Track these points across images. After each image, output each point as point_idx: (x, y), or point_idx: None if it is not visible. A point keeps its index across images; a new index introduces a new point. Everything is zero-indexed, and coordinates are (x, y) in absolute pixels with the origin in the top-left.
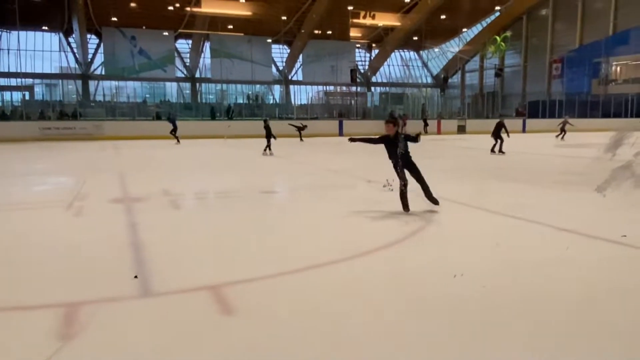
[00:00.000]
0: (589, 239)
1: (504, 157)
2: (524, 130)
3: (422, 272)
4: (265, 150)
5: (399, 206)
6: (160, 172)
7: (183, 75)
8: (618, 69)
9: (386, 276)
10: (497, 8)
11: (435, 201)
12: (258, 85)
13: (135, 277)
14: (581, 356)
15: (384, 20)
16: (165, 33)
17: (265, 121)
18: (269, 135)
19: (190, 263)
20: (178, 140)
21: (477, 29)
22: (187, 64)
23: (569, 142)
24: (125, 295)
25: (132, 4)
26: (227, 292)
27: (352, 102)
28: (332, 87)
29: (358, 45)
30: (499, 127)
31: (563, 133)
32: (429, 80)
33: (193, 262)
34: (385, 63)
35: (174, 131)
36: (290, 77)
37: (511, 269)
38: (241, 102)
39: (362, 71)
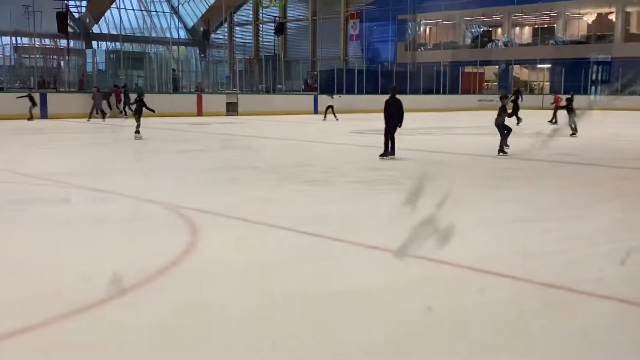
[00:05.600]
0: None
1: (291, 149)
2: (315, 110)
3: (153, 338)
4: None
5: (137, 229)
6: None
7: None
8: (427, 30)
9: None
10: None
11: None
12: None
13: None
14: None
15: None
16: None
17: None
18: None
19: None
20: None
21: None
22: None
23: (362, 127)
24: None
25: None
26: None
27: (62, 64)
28: (26, 40)
29: None
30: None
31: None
32: (183, 35)
33: None
34: (114, 5)
35: None
36: None
37: (307, 312)
38: None
39: (76, 16)
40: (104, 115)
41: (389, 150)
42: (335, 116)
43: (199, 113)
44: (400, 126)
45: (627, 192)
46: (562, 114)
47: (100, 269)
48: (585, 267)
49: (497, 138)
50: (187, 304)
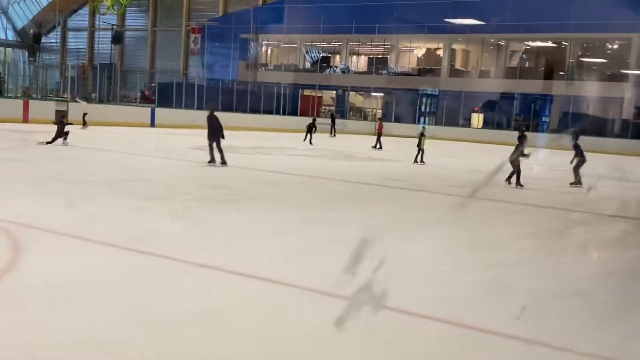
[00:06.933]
0: (242, 277)
1: (126, 162)
2: (152, 124)
3: None
4: None
5: None
6: None
7: None
8: (269, 50)
9: None
10: None
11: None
12: None
13: None
14: None
15: None
16: None
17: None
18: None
19: None
20: None
21: None
22: None
23: (202, 143)
24: None
25: None
26: None
27: None
28: None
29: None
30: None
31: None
32: (11, 36)
33: None
34: None
35: None
36: None
37: (144, 335)
38: None
39: None
40: None
41: (214, 159)
42: (85, 123)
43: (25, 120)
44: (223, 138)
45: (450, 218)
46: (385, 140)
47: None
48: (409, 288)
49: (332, 162)
50: (7, 326)
